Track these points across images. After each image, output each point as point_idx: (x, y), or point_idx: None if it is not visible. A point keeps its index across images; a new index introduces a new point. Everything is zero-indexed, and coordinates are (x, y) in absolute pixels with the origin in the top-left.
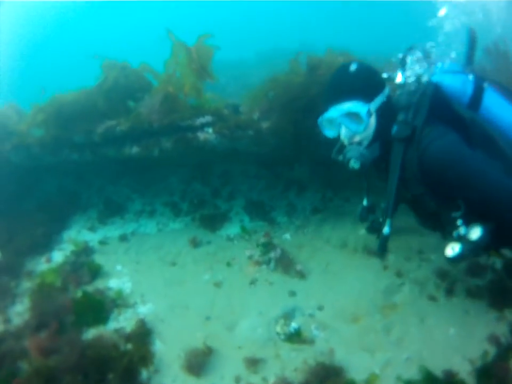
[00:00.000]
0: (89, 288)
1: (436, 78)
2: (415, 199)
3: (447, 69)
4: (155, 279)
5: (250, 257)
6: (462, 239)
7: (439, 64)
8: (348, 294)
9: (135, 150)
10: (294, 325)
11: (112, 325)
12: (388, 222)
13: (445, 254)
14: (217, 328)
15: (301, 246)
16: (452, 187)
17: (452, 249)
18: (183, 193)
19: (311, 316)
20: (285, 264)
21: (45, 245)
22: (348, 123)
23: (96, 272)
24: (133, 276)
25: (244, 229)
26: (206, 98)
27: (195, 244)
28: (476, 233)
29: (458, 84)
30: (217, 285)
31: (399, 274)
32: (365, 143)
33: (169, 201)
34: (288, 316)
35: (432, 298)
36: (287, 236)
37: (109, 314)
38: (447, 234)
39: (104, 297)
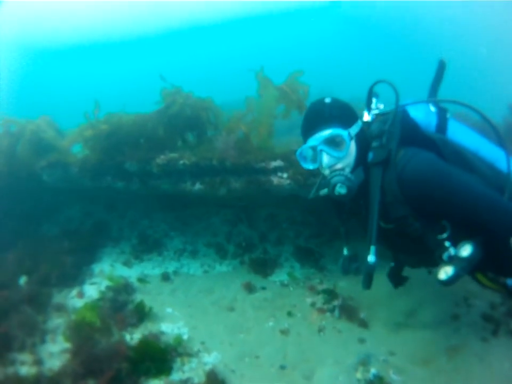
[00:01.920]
0: (138, 332)
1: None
2: (398, 226)
3: (409, 102)
4: (214, 325)
5: (312, 305)
6: (453, 259)
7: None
8: (414, 339)
9: (198, 187)
10: (373, 371)
11: (177, 376)
12: (372, 249)
13: (438, 278)
14: (295, 377)
15: (358, 293)
16: (435, 202)
17: (445, 272)
18: (228, 235)
19: (385, 361)
20: (348, 311)
21: (75, 276)
22: (329, 150)
23: (144, 314)
24: (188, 321)
25: (292, 275)
26: (271, 142)
27: (250, 289)
28: (466, 250)
29: (422, 115)
30: (284, 332)
31: (454, 318)
32: (347, 170)
33: (212, 242)
34: (364, 362)
35: (484, 339)
36: (343, 283)
37: (172, 364)
38: (437, 258)
39: (164, 344)
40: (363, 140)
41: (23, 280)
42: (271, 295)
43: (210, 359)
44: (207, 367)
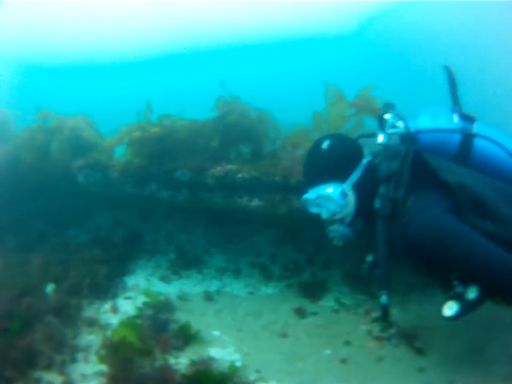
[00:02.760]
0: (184, 356)
1: (418, 136)
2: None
3: (429, 121)
4: (268, 352)
5: (369, 333)
6: (458, 297)
7: (423, 117)
8: (474, 368)
9: (255, 203)
10: None
11: None
12: (384, 292)
13: (443, 314)
14: None
15: (411, 321)
16: (438, 263)
17: (450, 308)
18: (273, 256)
19: None
20: (405, 339)
21: (107, 288)
22: (325, 204)
23: (190, 336)
24: (240, 346)
25: (341, 301)
26: None
27: (301, 314)
28: (472, 293)
29: (442, 139)
30: (343, 361)
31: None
32: (347, 219)
33: (256, 263)
34: None
35: None
36: (395, 310)
37: None
38: (444, 293)
39: (218, 372)
40: (367, 184)
41: (50, 288)
42: (324, 321)
43: None
44: None
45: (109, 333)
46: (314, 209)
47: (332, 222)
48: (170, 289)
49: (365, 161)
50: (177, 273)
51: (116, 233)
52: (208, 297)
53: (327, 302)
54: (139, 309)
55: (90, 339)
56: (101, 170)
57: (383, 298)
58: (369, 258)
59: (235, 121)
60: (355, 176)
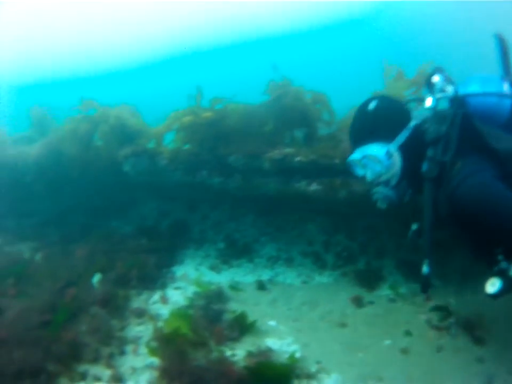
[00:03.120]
0: (240, 347)
1: (467, 100)
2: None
3: (479, 86)
4: (328, 342)
5: (428, 322)
6: (502, 273)
7: (472, 83)
8: None
9: (314, 187)
10: None
11: None
12: (426, 261)
13: (485, 291)
14: None
15: (469, 310)
16: (484, 231)
17: (492, 285)
18: (326, 244)
19: (506, 381)
20: (464, 329)
21: (155, 278)
22: (371, 164)
23: (246, 327)
24: (298, 337)
25: (397, 290)
26: None
27: (359, 303)
28: None
29: (492, 104)
30: (404, 351)
31: None
32: (393, 182)
33: (308, 251)
34: (490, 382)
35: None
36: (452, 300)
37: None
38: (487, 269)
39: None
40: (414, 146)
41: (97, 278)
42: (381, 311)
43: (331, 381)
44: None
45: (159, 324)
46: (360, 171)
47: (378, 184)
48: (221, 279)
49: (412, 123)
50: (228, 262)
51: (162, 224)
52: (261, 286)
53: (383, 291)
54: (190, 299)
55: (140, 330)
56: (148, 158)
57: (425, 268)
58: (414, 226)
59: (289, 104)
60: (401, 137)
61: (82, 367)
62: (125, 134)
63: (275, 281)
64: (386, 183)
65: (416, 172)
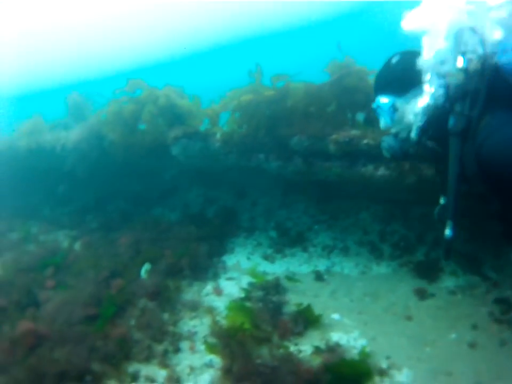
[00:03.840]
0: (305, 342)
1: (499, 58)
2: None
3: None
4: (394, 336)
5: (490, 315)
6: None
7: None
8: None
9: (382, 172)
10: None
11: None
12: (449, 224)
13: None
14: None
15: None
16: None
17: None
18: (382, 233)
19: None
20: None
21: (205, 268)
22: (381, 114)
23: (309, 320)
24: (364, 330)
25: (456, 283)
26: None
27: (421, 295)
28: None
29: None
30: (472, 346)
31: None
32: (402, 135)
33: (364, 241)
34: None
35: None
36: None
37: None
38: None
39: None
40: (438, 105)
41: (146, 268)
42: (443, 303)
43: (403, 377)
44: None
45: (216, 318)
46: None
47: (388, 133)
48: (275, 269)
49: (436, 80)
50: (281, 251)
51: (208, 211)
52: (319, 277)
53: (443, 282)
54: (246, 290)
55: (194, 325)
56: (201, 140)
57: (447, 231)
58: (442, 200)
59: (353, 84)
60: (416, 93)
61: (133, 367)
62: (175, 115)
63: (332, 272)
64: (396, 134)
65: (442, 129)
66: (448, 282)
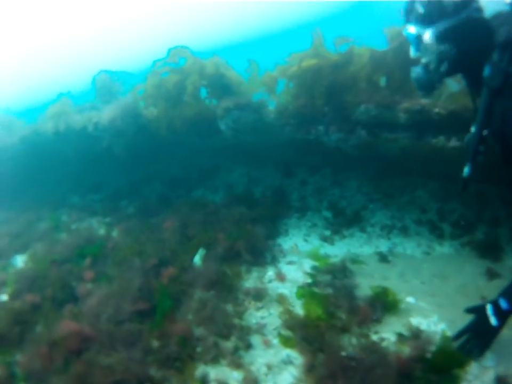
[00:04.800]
0: (386, 329)
1: None
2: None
3: None
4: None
5: None
6: None
7: None
8: None
9: (454, 144)
10: None
11: None
12: (468, 165)
13: None
14: None
15: None
16: None
17: None
18: (440, 212)
19: None
20: None
21: (262, 252)
22: (412, 44)
23: (387, 305)
24: (442, 314)
25: None
26: None
27: (490, 275)
28: None
29: None
30: None
31: None
32: (432, 66)
33: (423, 219)
34: None
35: None
36: None
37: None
38: None
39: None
40: (474, 42)
41: (201, 254)
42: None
43: (489, 362)
44: (491, 372)
45: (286, 307)
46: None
47: (422, 64)
48: (336, 251)
49: (464, 14)
50: (339, 232)
51: (254, 191)
52: (383, 258)
53: (507, 261)
54: (312, 275)
55: (262, 316)
56: (254, 112)
57: (466, 170)
58: (466, 170)
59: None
60: (444, 24)
61: (200, 370)
62: (223, 87)
63: (395, 253)
64: (426, 65)
65: (475, 70)
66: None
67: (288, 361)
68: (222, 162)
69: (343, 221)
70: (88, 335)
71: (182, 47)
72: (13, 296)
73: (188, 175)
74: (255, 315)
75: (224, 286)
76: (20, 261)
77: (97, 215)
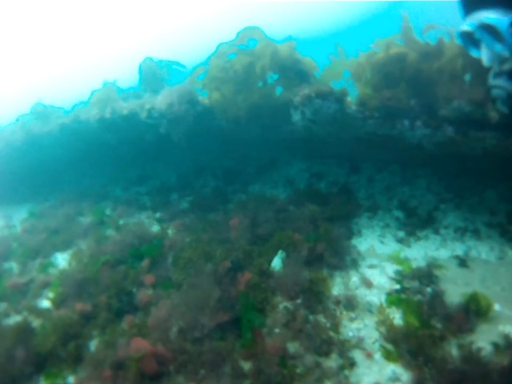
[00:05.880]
0: (480, 338)
1: None
2: None
3: None
4: None
5: None
6: None
7: None
8: None
9: None
10: None
11: None
12: None
13: None
14: None
15: None
16: None
17: None
18: (510, 214)
19: None
20: None
21: (342, 254)
22: (488, 41)
23: (478, 313)
24: None
25: None
26: None
27: None
28: None
29: None
30: None
31: None
32: None
33: (493, 222)
34: None
35: None
36: None
37: None
38: None
39: None
40: None
41: (281, 257)
42: None
43: None
44: None
45: (381, 317)
46: (474, 51)
47: (499, 73)
48: (414, 254)
49: None
50: (413, 233)
51: (318, 187)
52: (462, 263)
53: None
54: (398, 281)
55: (357, 328)
56: (336, 101)
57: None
58: None
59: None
60: None
61: None
62: (298, 73)
63: (471, 257)
64: (510, 73)
65: None
66: None
67: (395, 378)
68: (280, 155)
69: (416, 221)
70: (163, 355)
71: (253, 27)
72: (58, 303)
73: (243, 168)
74: (351, 327)
75: (312, 294)
76: (61, 259)
77: (146, 209)
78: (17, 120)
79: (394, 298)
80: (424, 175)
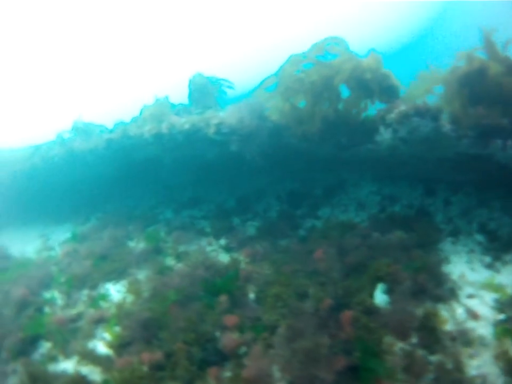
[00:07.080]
0: None
1: None
2: None
3: None
4: None
5: None
6: None
7: None
8: None
9: None
10: None
11: None
12: None
13: None
14: None
15: None
16: None
17: None
18: None
19: None
20: None
21: (440, 284)
22: None
23: None
24: None
25: None
26: None
27: None
28: None
29: None
30: None
31: None
32: None
33: None
34: None
35: None
36: None
37: None
38: None
39: None
40: None
41: (381, 290)
42: None
43: None
44: None
45: (499, 351)
46: None
47: None
48: (505, 279)
49: None
50: (499, 258)
51: (391, 210)
52: None
53: None
54: (500, 310)
55: (478, 365)
56: (432, 119)
57: None
58: None
59: None
60: None
61: None
62: (386, 89)
63: None
64: None
65: None
66: None
67: None
68: (347, 176)
69: (499, 245)
70: None
71: (335, 37)
72: (119, 348)
73: (308, 190)
74: (471, 365)
75: (426, 331)
76: (113, 291)
77: (206, 235)
78: (57, 137)
79: (503, 329)
80: (498, 197)
